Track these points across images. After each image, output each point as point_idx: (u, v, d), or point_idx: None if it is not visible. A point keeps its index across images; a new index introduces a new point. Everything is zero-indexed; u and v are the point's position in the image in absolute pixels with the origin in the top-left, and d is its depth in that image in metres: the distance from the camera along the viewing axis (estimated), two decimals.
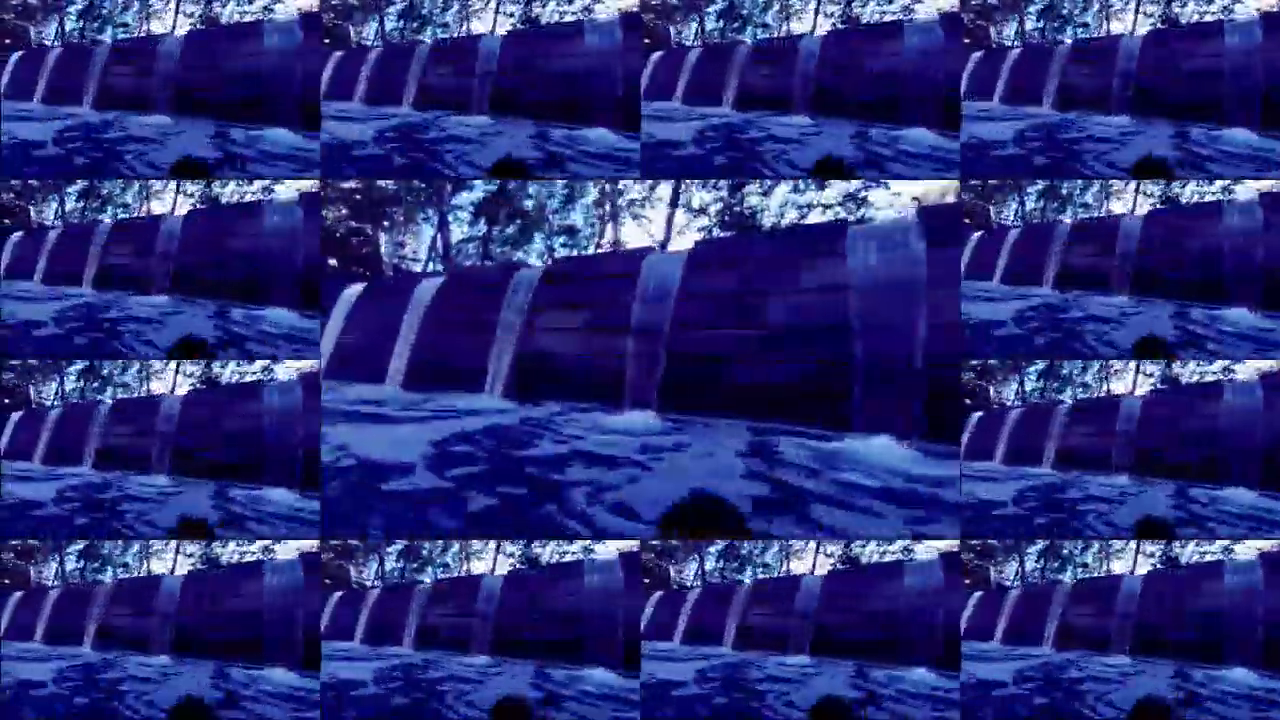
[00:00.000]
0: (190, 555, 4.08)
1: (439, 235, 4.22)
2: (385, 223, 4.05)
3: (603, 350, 4.39)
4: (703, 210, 4.18)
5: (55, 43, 4.11)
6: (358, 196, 3.94)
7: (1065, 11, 4.10)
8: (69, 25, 4.11)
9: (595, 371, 4.37)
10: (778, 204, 4.13)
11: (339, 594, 4.11)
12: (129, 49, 4.14)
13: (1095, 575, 4.08)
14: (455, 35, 4.12)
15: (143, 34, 4.11)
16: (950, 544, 4.04)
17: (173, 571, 4.10)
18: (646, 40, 4.10)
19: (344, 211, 4.01)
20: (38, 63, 4.12)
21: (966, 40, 4.09)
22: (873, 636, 4.10)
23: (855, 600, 4.11)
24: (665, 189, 4.17)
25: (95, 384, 4.10)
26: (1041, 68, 4.12)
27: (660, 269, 4.41)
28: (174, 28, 4.12)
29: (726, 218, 4.17)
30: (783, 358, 4.24)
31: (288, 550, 4.07)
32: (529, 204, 4.19)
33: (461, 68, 4.14)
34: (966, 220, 4.07)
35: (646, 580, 4.07)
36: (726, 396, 4.30)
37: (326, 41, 4.11)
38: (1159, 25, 4.07)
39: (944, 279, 4.07)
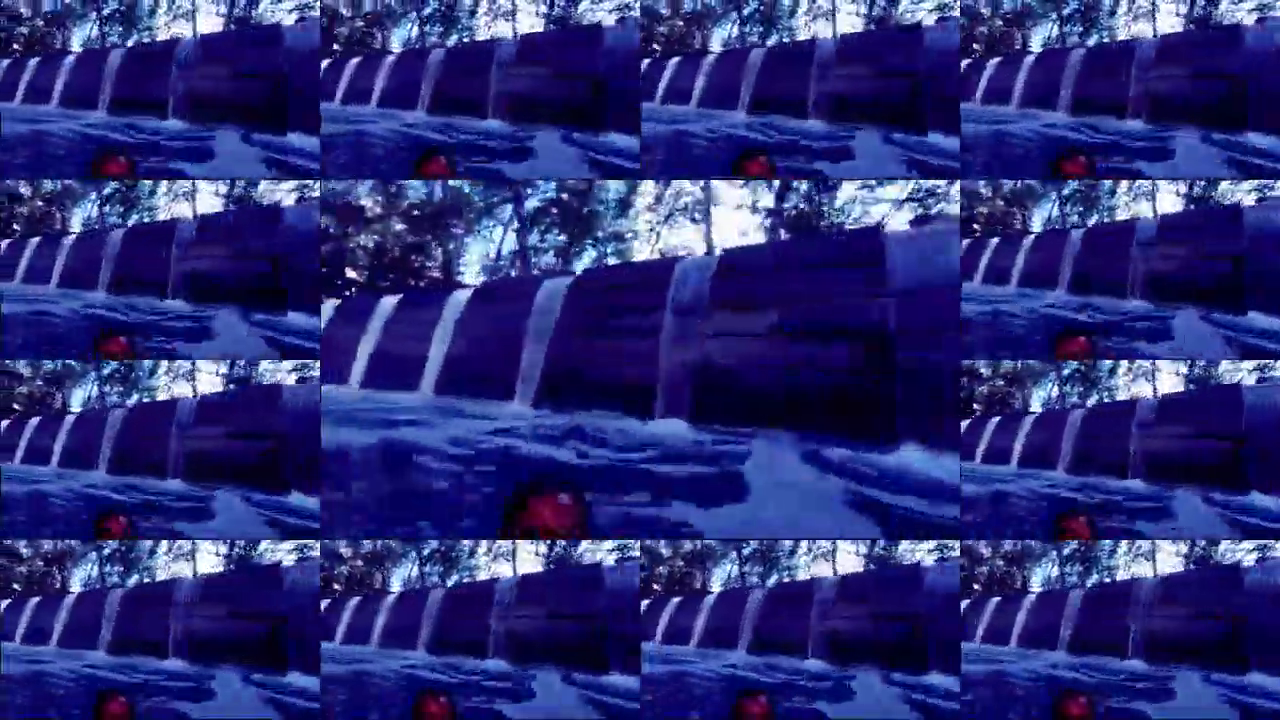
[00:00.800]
0: (221, 555, 4.08)
1: (503, 243, 4.08)
2: (451, 233, 3.96)
3: (812, 361, 3.87)
4: (771, 210, 4.08)
5: (80, 48, 4.11)
6: (415, 212, 3.89)
7: (1093, 15, 4.10)
8: (88, 30, 4.11)
9: (803, 390, 3.85)
10: (842, 201, 4.08)
11: (391, 596, 4.11)
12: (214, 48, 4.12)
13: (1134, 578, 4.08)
14: (481, 39, 4.11)
15: (169, 37, 4.11)
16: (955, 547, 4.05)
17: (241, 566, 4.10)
18: (673, 45, 4.10)
19: (401, 226, 3.96)
20: (98, 66, 4.11)
21: (996, 47, 4.09)
22: None
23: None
24: (723, 189, 4.13)
25: (120, 388, 4.10)
26: (1119, 72, 4.09)
27: (915, 251, 3.84)
28: (229, 24, 4.11)
29: (783, 216, 4.08)
30: None
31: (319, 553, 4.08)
32: (583, 209, 4.10)
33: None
34: (993, 225, 4.07)
35: (673, 584, 4.07)
36: None
37: (353, 46, 4.11)
38: (1189, 25, 4.07)
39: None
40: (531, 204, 4.07)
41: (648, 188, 4.07)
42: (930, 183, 4.05)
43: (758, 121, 4.08)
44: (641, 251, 4.09)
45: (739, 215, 4.07)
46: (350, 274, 3.78)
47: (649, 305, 3.98)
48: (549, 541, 3.97)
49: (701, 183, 4.08)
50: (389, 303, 3.96)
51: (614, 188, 4.07)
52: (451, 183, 4.03)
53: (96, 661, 4.09)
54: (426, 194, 3.98)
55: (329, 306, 3.99)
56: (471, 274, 4.08)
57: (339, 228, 3.81)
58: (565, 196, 4.05)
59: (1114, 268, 4.06)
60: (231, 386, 4.07)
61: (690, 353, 3.95)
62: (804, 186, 4.07)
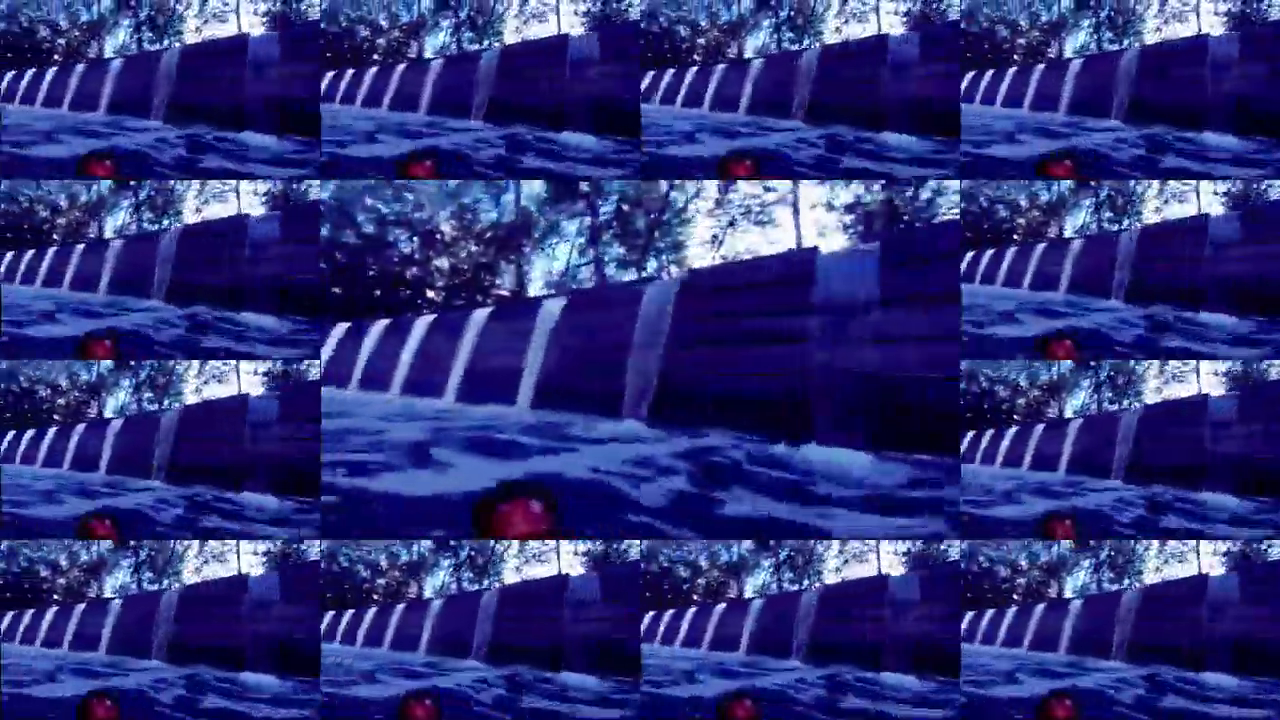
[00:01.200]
0: (259, 554, 4.08)
1: (570, 256, 3.94)
2: (524, 249, 3.88)
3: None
4: (853, 206, 3.95)
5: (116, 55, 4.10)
6: (489, 233, 3.85)
7: (1121, 22, 4.09)
8: (120, 37, 4.09)
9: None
10: (926, 197, 4.05)
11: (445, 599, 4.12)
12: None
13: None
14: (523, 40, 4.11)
15: (204, 40, 4.10)
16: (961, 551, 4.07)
17: (239, 569, 4.09)
18: (710, 54, 4.09)
19: (475, 248, 3.92)
20: (148, 72, 4.10)
21: (1035, 56, 4.10)
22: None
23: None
24: (786, 187, 4.05)
25: (148, 395, 4.09)
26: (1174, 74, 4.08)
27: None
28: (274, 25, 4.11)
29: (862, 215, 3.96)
30: None
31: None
32: (640, 221, 3.98)
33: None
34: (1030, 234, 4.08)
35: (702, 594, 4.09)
36: None
37: (390, 56, 4.11)
38: (1230, 25, 4.07)
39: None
40: (589, 219, 4.01)
41: (710, 191, 4.02)
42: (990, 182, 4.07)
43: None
44: (702, 258, 4.01)
45: (814, 214, 4.00)
46: (430, 294, 3.74)
47: (787, 305, 3.47)
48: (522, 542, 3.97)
49: (763, 184, 4.07)
50: (480, 316, 3.78)
51: (673, 192, 4.03)
52: (524, 198, 3.99)
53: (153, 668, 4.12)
54: (498, 215, 3.93)
55: (420, 324, 3.96)
56: (536, 290, 4.01)
57: (421, 252, 3.79)
58: (625, 207, 3.98)
59: (1177, 272, 4.07)
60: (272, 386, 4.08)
61: (853, 360, 3.45)
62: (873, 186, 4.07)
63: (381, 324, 3.84)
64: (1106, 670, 4.07)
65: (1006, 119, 4.05)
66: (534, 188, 3.99)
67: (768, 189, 4.05)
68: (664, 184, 3.98)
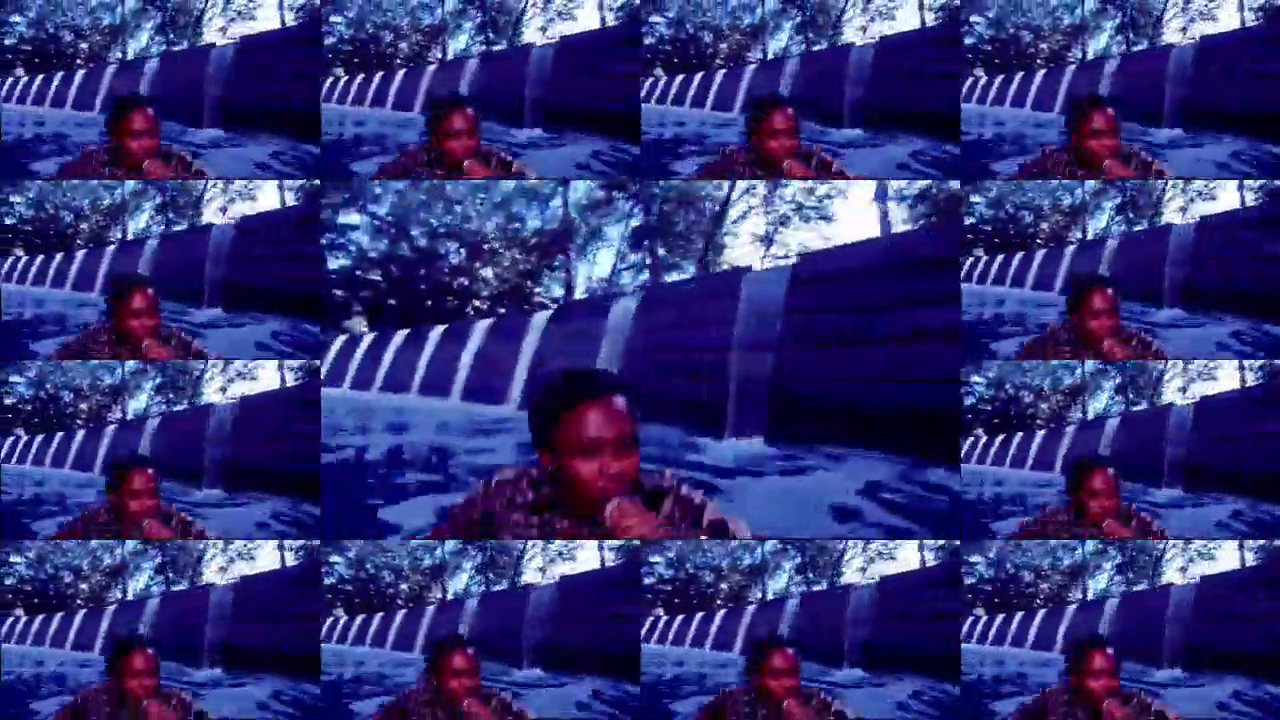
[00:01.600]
0: (292, 550, 4.07)
1: (616, 260, 3.85)
2: (568, 255, 3.84)
3: None
4: (922, 197, 3.86)
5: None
6: (533, 240, 3.83)
7: (1143, 23, 4.08)
8: (143, 41, 4.09)
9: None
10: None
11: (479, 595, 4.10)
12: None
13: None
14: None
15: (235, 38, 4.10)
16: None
17: (283, 564, 4.08)
18: (729, 59, 4.08)
19: (519, 255, 3.90)
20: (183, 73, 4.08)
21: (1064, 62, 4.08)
22: None
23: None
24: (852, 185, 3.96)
25: (169, 396, 4.09)
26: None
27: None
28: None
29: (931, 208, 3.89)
30: None
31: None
32: (679, 223, 3.89)
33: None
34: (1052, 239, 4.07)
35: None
36: None
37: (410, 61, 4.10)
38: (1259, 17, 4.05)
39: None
40: (634, 222, 3.92)
41: (759, 189, 3.98)
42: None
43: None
44: (751, 259, 3.90)
45: (874, 210, 3.93)
46: (476, 303, 3.71)
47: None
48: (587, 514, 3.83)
49: (813, 181, 4.03)
50: (541, 318, 3.53)
51: (719, 191, 4.00)
52: (571, 203, 3.96)
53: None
54: (542, 221, 3.89)
55: (479, 329, 3.91)
56: (579, 296, 3.93)
57: (466, 262, 3.77)
58: (667, 208, 3.91)
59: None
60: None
61: None
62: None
63: (439, 329, 3.79)
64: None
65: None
66: (579, 191, 3.94)
67: (820, 182, 4.01)
68: (711, 184, 3.94)
